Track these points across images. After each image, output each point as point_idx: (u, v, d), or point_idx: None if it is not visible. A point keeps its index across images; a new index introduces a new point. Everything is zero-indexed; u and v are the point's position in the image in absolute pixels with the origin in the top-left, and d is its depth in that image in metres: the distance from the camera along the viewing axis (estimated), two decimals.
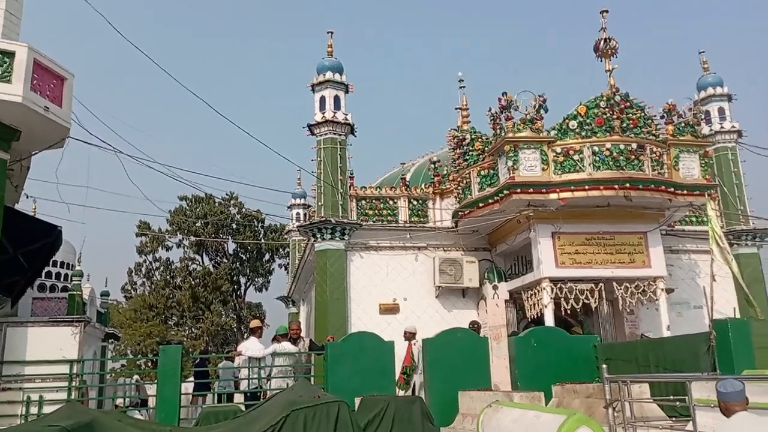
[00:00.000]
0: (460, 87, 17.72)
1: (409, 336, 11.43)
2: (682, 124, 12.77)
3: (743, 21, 78.69)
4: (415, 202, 15.03)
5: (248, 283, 38.66)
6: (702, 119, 14.16)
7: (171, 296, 35.88)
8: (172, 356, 8.82)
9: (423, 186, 15.50)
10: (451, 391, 8.74)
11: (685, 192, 12.56)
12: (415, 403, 6.99)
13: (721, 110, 16.24)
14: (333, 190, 14.07)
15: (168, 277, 36.59)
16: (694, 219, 15.66)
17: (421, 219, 14.96)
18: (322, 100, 14.65)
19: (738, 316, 10.14)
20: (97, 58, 71.35)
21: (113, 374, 21.55)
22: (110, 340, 22.09)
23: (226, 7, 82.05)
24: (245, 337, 10.63)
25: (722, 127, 16.10)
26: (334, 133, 14.50)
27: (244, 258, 38.10)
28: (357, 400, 7.77)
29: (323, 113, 14.51)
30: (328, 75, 14.72)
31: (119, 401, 12.95)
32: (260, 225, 37.52)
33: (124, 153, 9.75)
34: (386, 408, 6.57)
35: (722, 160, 16.16)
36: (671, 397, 7.45)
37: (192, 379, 12.79)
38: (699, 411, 6.25)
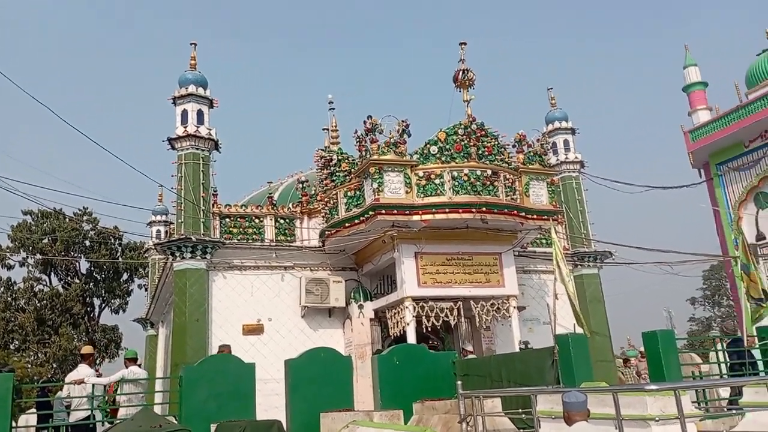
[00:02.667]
0: (330, 108, 17.91)
1: None
2: (532, 154, 13.79)
3: (589, 68, 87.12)
4: (281, 221, 14.85)
5: (103, 305, 35.97)
6: (549, 150, 15.37)
7: (13, 319, 32.38)
8: (1, 385, 7.90)
9: (291, 205, 15.36)
10: (313, 412, 8.62)
11: (535, 216, 13.52)
12: (273, 426, 6.82)
13: (566, 142, 17.75)
14: (194, 207, 13.52)
15: (9, 298, 33.02)
16: (543, 241, 16.89)
17: (288, 238, 14.80)
18: (184, 113, 14.11)
19: (578, 331, 10.97)
20: None
21: None
22: None
23: (89, 18, 76.93)
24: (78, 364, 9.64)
25: (567, 158, 17.58)
26: (197, 149, 13.99)
27: (98, 278, 35.37)
28: (213, 427, 7.44)
29: (185, 127, 13.97)
30: (191, 88, 14.22)
31: None
32: (117, 243, 35.12)
33: None
34: None
35: (567, 187, 17.62)
36: (519, 411, 7.91)
37: (34, 410, 11.53)
38: (543, 422, 6.66)
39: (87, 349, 10.07)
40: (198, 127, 14.07)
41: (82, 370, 9.36)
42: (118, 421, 7.18)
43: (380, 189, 12.46)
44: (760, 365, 10.40)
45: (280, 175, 19.96)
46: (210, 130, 14.27)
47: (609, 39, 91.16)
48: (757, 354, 10.68)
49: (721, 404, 10.11)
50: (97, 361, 31.24)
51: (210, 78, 14.68)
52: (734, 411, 8.40)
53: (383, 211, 12.43)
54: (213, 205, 14.11)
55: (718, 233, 20.29)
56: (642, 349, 11.96)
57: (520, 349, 13.32)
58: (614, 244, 16.51)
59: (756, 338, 11.21)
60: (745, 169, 19.29)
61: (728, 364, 10.54)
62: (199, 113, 14.23)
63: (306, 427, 8.57)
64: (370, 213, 12.59)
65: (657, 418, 5.44)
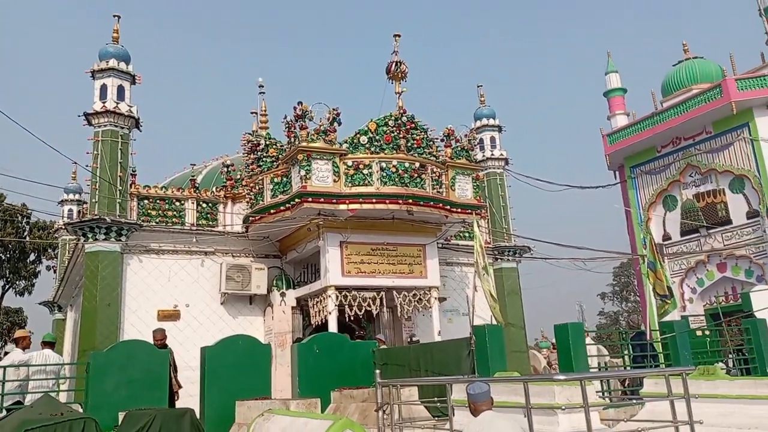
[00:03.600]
0: (260, 92, 17.54)
1: None
2: (459, 149, 14.02)
3: (520, 68, 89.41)
4: (204, 205, 14.44)
5: (7, 286, 33.94)
6: (476, 146, 15.69)
7: None
8: None
9: (214, 189, 14.96)
10: (229, 400, 8.48)
11: (460, 210, 13.76)
12: (185, 415, 6.64)
13: (492, 139, 18.16)
14: (110, 187, 12.91)
15: None
16: (466, 234, 17.25)
17: (210, 223, 14.42)
18: (103, 88, 13.41)
19: (495, 323, 11.29)
20: None
21: None
22: None
23: None
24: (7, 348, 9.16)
25: (492, 155, 18.01)
26: (115, 126, 13.35)
27: (2, 257, 33.30)
28: (121, 416, 7.16)
29: (103, 102, 13.28)
30: (112, 62, 13.53)
31: None
32: (25, 221, 33.14)
33: None
34: (152, 422, 6.14)
35: (492, 183, 18.06)
36: (435, 399, 8.07)
37: None
38: (457, 410, 6.82)
39: (20, 333, 9.57)
40: (118, 103, 13.42)
41: (12, 355, 8.86)
42: (17, 408, 6.77)
43: (308, 176, 12.33)
44: (661, 358, 11.04)
45: (205, 157, 19.41)
46: (131, 107, 13.65)
47: (541, 38, 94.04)
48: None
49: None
50: None
51: (134, 55, 14.03)
52: (635, 401, 8.90)
53: (310, 199, 12.31)
54: (130, 186, 13.53)
55: (628, 232, 21.41)
56: (554, 340, 12.44)
57: (407, 342, 13.62)
58: (533, 239, 17.09)
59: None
60: (656, 173, 20.41)
61: (632, 356, 11.15)
62: (120, 89, 13.58)
63: (220, 416, 8.41)
64: (297, 200, 12.44)
65: (563, 407, 5.68)
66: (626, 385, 11.57)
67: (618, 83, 22.99)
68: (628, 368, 11.42)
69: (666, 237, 19.82)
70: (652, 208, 20.32)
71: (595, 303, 50.89)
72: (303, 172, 12.34)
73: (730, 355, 11.84)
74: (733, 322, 12.09)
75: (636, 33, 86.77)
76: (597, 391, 9.21)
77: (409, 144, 13.18)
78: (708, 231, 18.83)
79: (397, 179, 12.75)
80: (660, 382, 6.69)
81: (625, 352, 11.83)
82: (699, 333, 12.36)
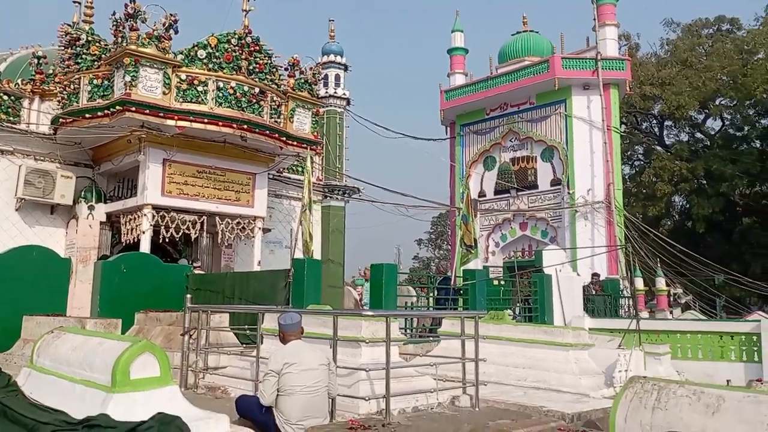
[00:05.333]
0: None
1: None
2: (303, 81, 13.71)
3: (374, 11, 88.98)
4: (5, 98, 12.64)
5: None
6: (320, 81, 15.48)
7: None
8: None
9: (20, 81, 13.12)
10: (16, 315, 7.75)
11: (296, 143, 13.57)
12: None
13: (337, 77, 18.03)
14: None
15: None
16: (299, 169, 17.14)
17: (11, 118, 12.68)
18: None
19: (315, 258, 11.50)
20: None
21: None
22: None
23: None
24: None
25: (336, 92, 17.91)
26: None
27: None
28: None
29: None
30: None
31: None
32: None
33: None
34: None
35: (331, 121, 18.02)
36: (245, 327, 8.09)
37: None
38: (266, 338, 6.91)
39: None
40: None
41: None
42: None
43: (134, 84, 11.29)
44: (461, 301, 12.09)
45: (12, 45, 16.87)
46: None
47: None
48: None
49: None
50: None
51: None
52: (431, 338, 9.69)
53: (134, 109, 11.31)
54: None
55: (450, 186, 22.84)
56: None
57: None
58: (363, 181, 17.53)
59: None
60: (482, 134, 21.82)
61: (435, 298, 12.08)
62: None
63: (4, 330, 7.67)
64: (118, 108, 11.37)
65: (367, 341, 6.00)
66: (431, 324, 12.54)
67: (461, 43, 23.90)
68: (431, 309, 12.37)
69: (481, 194, 21.45)
70: (474, 166, 21.78)
71: (412, 248, 54.05)
72: (128, 78, 11.26)
73: (519, 304, 13.32)
74: (524, 275, 13.56)
75: None
76: (400, 328, 9.87)
77: (251, 67, 12.59)
78: (517, 193, 20.69)
79: (233, 102, 12.18)
80: (456, 323, 7.32)
81: (431, 294, 12.78)
82: (495, 282, 13.72)
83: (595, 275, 15.89)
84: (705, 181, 24.59)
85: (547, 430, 3.93)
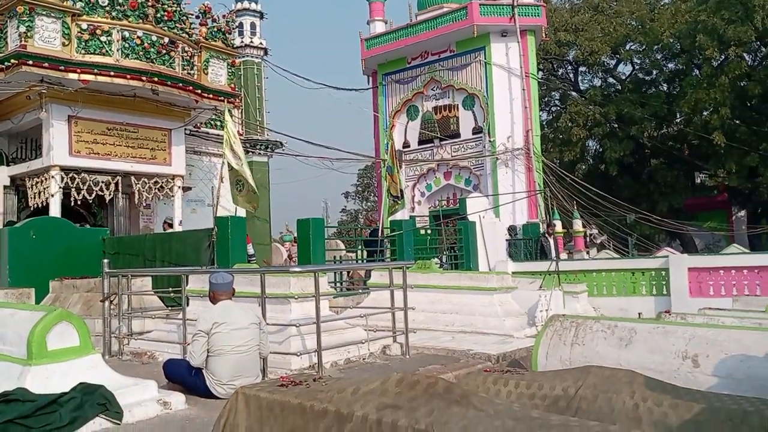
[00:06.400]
0: None
1: None
2: (216, 30, 13.07)
3: None
4: None
5: None
6: (235, 29, 14.81)
7: None
8: None
9: None
10: None
11: (211, 96, 13.02)
12: None
13: (253, 25, 17.35)
14: None
15: None
16: (218, 123, 16.53)
17: None
18: None
19: (240, 214, 11.25)
20: None
21: None
22: None
23: None
24: None
25: (252, 42, 17.26)
26: None
27: None
28: None
29: None
30: None
31: None
32: None
33: None
34: None
35: (248, 72, 17.42)
36: (169, 290, 7.86)
37: None
38: (192, 300, 6.75)
39: None
40: None
41: None
42: None
43: (29, 35, 10.41)
44: (388, 252, 12.22)
45: None
46: None
47: None
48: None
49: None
50: None
51: None
52: (361, 290, 9.78)
53: (30, 62, 10.46)
54: None
55: (374, 137, 22.73)
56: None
57: (164, 227, 13.09)
58: (286, 135, 17.22)
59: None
60: (404, 83, 21.69)
61: (364, 250, 12.14)
62: None
63: None
64: (12, 62, 10.48)
65: (296, 296, 5.97)
66: (365, 275, 12.63)
67: None
68: (360, 261, 12.45)
69: (405, 144, 21.50)
70: (397, 116, 21.72)
71: (339, 201, 53.99)
72: (23, 29, 10.37)
73: (445, 252, 13.62)
74: (450, 224, 13.83)
75: None
76: (330, 282, 9.88)
77: (159, 15, 11.86)
78: (441, 142, 20.87)
79: (141, 53, 11.48)
80: (385, 274, 7.40)
81: (359, 246, 12.83)
82: (422, 232, 13.93)
83: (511, 228, 16.06)
84: (617, 125, 25.63)
85: (474, 372, 4.07)
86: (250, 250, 11.10)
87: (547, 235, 14.29)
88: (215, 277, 5.16)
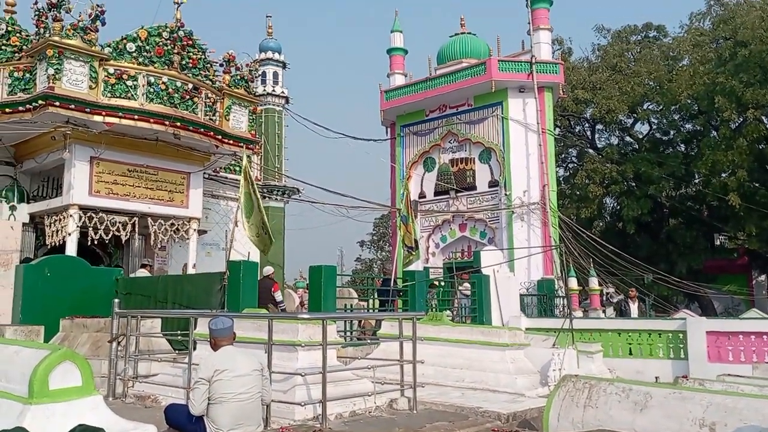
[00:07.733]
0: None
1: None
2: (239, 77, 13.41)
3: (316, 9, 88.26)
4: None
5: None
6: (257, 78, 15.18)
7: None
8: None
9: None
10: None
11: (232, 142, 13.26)
12: None
13: (275, 75, 17.79)
14: None
15: None
16: (237, 168, 16.75)
17: None
18: None
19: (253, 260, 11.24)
20: None
21: None
22: None
23: None
24: None
25: (274, 90, 17.67)
26: None
27: None
28: None
29: None
30: None
31: None
32: None
33: None
34: None
35: (269, 120, 17.76)
36: (177, 332, 7.80)
37: None
38: (199, 344, 6.67)
39: None
40: None
41: None
42: None
43: (57, 77, 10.74)
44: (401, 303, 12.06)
45: None
46: None
47: None
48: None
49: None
50: None
51: None
52: (370, 341, 9.63)
53: (57, 104, 10.77)
54: None
55: (391, 187, 22.86)
56: None
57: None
58: (303, 182, 17.36)
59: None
60: (421, 135, 21.94)
61: (376, 299, 12.02)
62: None
63: None
64: (41, 102, 10.80)
65: (303, 344, 5.87)
66: (375, 325, 12.46)
67: (401, 43, 23.96)
68: (372, 311, 12.31)
69: (422, 195, 21.57)
70: (414, 167, 21.88)
71: (354, 249, 53.93)
72: (52, 71, 10.71)
73: (457, 304, 13.42)
74: (463, 276, 13.68)
75: None
76: (339, 331, 9.75)
77: (184, 62, 12.21)
78: (456, 194, 20.91)
79: (165, 98, 11.77)
80: (395, 325, 7.28)
81: (372, 296, 12.71)
82: (435, 283, 13.79)
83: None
84: (634, 183, 25.53)
85: (483, 431, 3.93)
86: (278, 297, 11.11)
87: (629, 299, 14.38)
88: (215, 323, 5.08)
